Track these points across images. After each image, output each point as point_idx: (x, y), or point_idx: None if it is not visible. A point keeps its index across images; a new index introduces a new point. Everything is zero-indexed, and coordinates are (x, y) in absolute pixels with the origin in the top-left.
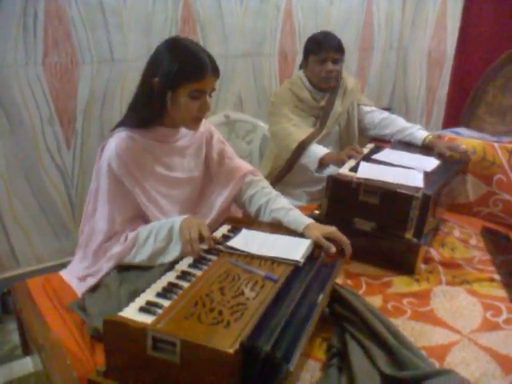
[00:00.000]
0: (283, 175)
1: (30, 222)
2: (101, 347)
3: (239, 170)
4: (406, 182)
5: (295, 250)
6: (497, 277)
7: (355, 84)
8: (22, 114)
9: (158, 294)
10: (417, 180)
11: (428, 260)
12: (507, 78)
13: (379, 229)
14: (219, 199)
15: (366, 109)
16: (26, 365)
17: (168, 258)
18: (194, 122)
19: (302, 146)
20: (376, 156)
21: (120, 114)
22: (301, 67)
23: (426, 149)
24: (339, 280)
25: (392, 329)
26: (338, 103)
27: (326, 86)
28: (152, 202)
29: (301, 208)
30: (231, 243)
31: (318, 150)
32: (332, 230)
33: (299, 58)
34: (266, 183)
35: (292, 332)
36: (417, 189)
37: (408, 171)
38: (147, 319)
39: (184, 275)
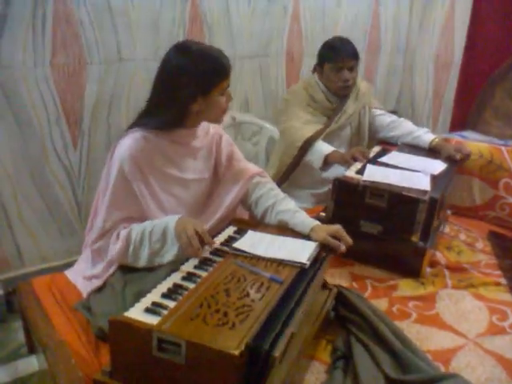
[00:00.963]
0: (290, 173)
1: (36, 221)
2: (106, 347)
3: (247, 172)
4: (413, 185)
5: (301, 252)
6: (503, 281)
7: (368, 88)
8: (30, 115)
9: (164, 295)
10: (423, 183)
11: (434, 263)
12: None
13: (385, 232)
14: (227, 198)
15: (377, 112)
16: (31, 363)
17: (165, 259)
18: (224, 114)
19: (309, 143)
20: (383, 159)
21: (127, 115)
22: (314, 71)
23: (432, 152)
24: (345, 283)
25: (397, 332)
26: (349, 104)
27: (344, 93)
28: (156, 202)
29: (307, 210)
30: (237, 245)
31: (323, 148)
32: (337, 228)
33: (306, 59)
34: (273, 185)
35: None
36: (424, 192)
37: (415, 174)
38: (153, 320)
39: (189, 276)
